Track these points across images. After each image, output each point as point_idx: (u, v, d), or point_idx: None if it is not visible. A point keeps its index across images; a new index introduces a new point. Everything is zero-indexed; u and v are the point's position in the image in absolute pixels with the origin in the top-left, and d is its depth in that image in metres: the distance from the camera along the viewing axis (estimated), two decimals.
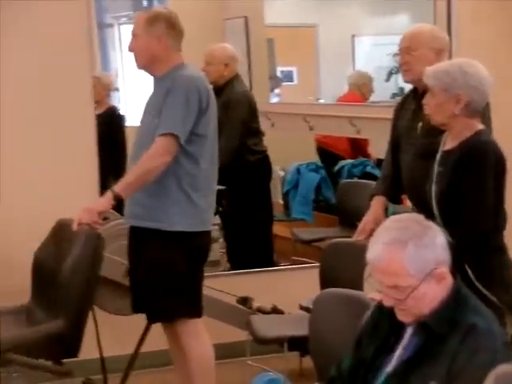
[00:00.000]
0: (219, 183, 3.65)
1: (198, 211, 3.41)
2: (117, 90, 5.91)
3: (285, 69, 7.49)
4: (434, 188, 3.08)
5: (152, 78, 3.51)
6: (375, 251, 2.12)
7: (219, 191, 3.89)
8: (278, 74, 7.43)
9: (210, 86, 3.53)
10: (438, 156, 3.10)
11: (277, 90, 7.33)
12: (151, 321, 3.59)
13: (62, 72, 4.26)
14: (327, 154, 6.36)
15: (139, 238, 3.46)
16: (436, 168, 3.09)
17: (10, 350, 3.11)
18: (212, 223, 3.60)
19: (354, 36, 7.56)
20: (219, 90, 4.78)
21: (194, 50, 4.88)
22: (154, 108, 3.40)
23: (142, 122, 3.52)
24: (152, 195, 3.36)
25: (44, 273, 3.54)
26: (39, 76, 4.24)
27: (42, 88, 4.25)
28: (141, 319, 3.64)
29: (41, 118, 4.27)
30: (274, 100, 7.26)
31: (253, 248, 5.08)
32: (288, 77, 7.48)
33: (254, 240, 5.11)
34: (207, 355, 3.49)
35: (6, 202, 4.00)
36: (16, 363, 3.11)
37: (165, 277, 3.38)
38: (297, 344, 3.81)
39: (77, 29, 4.30)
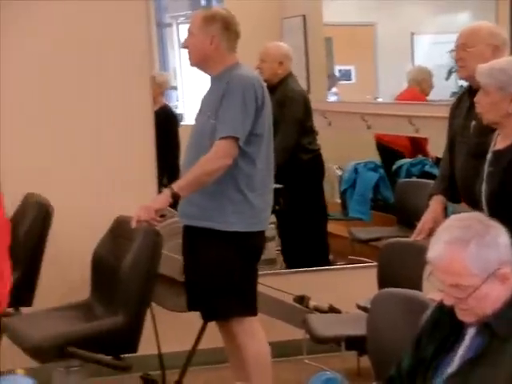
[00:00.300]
0: (276, 182, 3.64)
1: (255, 211, 3.41)
2: (175, 88, 5.96)
3: (343, 67, 7.46)
4: (484, 188, 3.03)
5: (209, 76, 3.53)
6: (436, 250, 2.10)
7: (276, 190, 3.89)
8: (336, 72, 7.40)
9: (265, 84, 3.53)
10: (489, 156, 3.05)
11: (334, 89, 7.30)
12: (206, 319, 3.61)
13: (122, 71, 4.31)
14: (387, 151, 6.30)
15: (194, 237, 3.48)
16: (486, 168, 3.04)
17: (70, 344, 3.15)
18: (268, 224, 3.60)
19: (413, 34, 7.50)
20: (273, 88, 4.79)
21: (251, 50, 4.92)
22: (210, 108, 3.41)
23: (196, 120, 3.54)
24: (208, 196, 3.36)
25: (103, 269, 3.58)
26: (98, 75, 4.29)
27: (101, 87, 4.30)
28: (198, 316, 3.66)
29: (100, 117, 4.32)
30: (332, 99, 7.23)
31: (307, 246, 5.06)
32: (346, 75, 7.44)
33: (309, 238, 5.09)
34: (263, 352, 3.49)
35: (66, 199, 4.06)
36: (77, 357, 3.15)
37: (219, 276, 3.40)
38: (354, 343, 3.78)
39: (136, 28, 4.34)
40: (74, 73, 4.26)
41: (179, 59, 6.21)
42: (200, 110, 3.52)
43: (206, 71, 3.51)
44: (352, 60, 7.44)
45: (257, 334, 3.48)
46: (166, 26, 6.29)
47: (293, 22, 6.45)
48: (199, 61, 3.48)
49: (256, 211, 3.42)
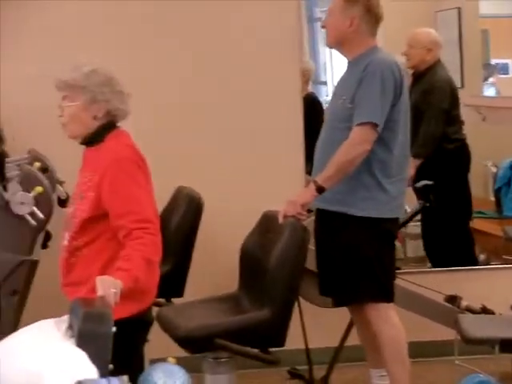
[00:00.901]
0: (425, 177, 3.57)
1: (388, 198, 3.38)
2: (324, 83, 5.93)
3: (500, 61, 7.19)
4: None
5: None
6: None
7: (427, 186, 3.80)
8: None
9: (406, 70, 3.47)
10: None
11: (491, 79, 7.04)
12: (339, 304, 3.59)
13: (272, 65, 4.36)
14: None
15: (327, 221, 3.48)
16: None
17: (218, 336, 3.20)
18: (403, 212, 3.59)
19: None
20: (420, 75, 4.70)
21: (404, 43, 4.85)
22: (346, 92, 3.38)
23: (331, 104, 3.53)
24: (343, 180, 3.34)
25: (251, 263, 3.62)
26: (248, 69, 4.36)
27: (249, 80, 4.36)
28: (346, 312, 3.64)
29: (249, 110, 4.38)
30: (489, 90, 6.98)
31: (452, 244, 4.91)
32: (503, 69, 7.17)
33: (454, 235, 4.93)
34: (399, 338, 3.43)
35: (216, 192, 4.13)
36: (225, 349, 3.20)
37: (353, 260, 3.38)
38: (510, 346, 3.64)
39: (287, 23, 4.38)
40: (224, 64, 4.35)
41: (329, 54, 6.20)
42: (334, 94, 3.51)
43: (342, 53, 3.49)
44: (510, 53, 7.16)
45: (392, 319, 3.44)
46: (317, 21, 6.29)
47: (447, 15, 6.29)
48: (336, 42, 3.47)
49: (389, 197, 3.38)
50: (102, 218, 2.82)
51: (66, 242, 2.91)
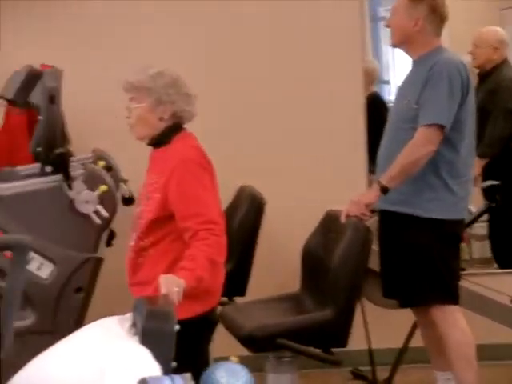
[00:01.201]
0: (491, 177, 3.51)
1: (455, 199, 3.34)
2: (387, 82, 5.87)
3: None
4: None
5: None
6: None
7: (493, 186, 3.74)
8: None
9: (472, 70, 3.42)
10: None
11: None
12: (404, 305, 3.55)
13: (334, 64, 4.34)
14: None
15: (391, 222, 3.45)
16: None
17: (281, 336, 3.20)
18: (467, 213, 3.55)
19: None
20: (486, 74, 4.63)
21: (468, 41, 4.78)
22: (410, 92, 3.35)
23: (395, 104, 3.50)
24: (408, 181, 3.31)
25: (313, 262, 3.60)
26: (310, 67, 4.35)
27: (312, 80, 4.35)
28: (410, 313, 3.59)
29: (311, 110, 4.37)
30: None
31: None
32: None
33: None
34: (467, 342, 3.37)
35: (278, 191, 4.12)
36: (288, 348, 3.19)
37: (418, 262, 3.34)
38: None
39: (350, 22, 4.36)
40: (287, 64, 4.35)
41: (392, 53, 6.15)
42: (399, 94, 3.48)
43: (407, 53, 3.46)
44: None
45: (459, 322, 3.38)
46: (380, 20, 6.25)
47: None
48: (401, 42, 3.45)
49: (456, 199, 3.34)
50: (167, 219, 2.85)
51: (132, 243, 2.95)
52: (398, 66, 6.10)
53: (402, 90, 3.51)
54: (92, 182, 3.37)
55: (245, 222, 3.81)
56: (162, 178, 2.85)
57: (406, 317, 3.67)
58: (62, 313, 3.33)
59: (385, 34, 6.36)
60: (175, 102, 2.90)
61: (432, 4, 3.36)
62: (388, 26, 3.49)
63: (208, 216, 2.77)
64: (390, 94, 6.02)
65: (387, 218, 3.46)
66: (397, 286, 3.45)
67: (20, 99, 3.69)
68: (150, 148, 3.01)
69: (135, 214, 3.00)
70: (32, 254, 3.24)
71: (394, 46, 3.54)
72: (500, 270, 4.74)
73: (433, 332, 3.46)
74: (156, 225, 2.87)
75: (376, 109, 5.04)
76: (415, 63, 3.44)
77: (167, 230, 2.86)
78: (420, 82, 3.30)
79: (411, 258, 3.35)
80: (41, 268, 3.32)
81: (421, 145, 3.25)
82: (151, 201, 2.88)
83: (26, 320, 3.32)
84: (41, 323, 3.32)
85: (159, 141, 2.95)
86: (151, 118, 2.91)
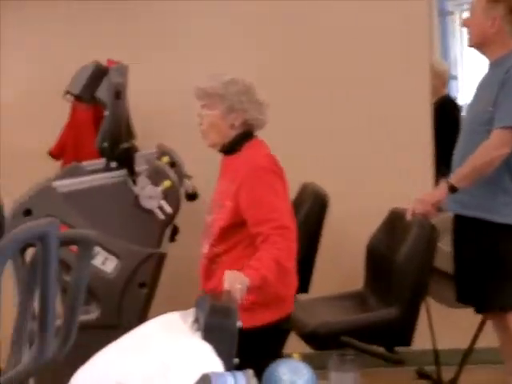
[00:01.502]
0: None
1: None
2: (455, 78, 5.77)
3: None
4: None
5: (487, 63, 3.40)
6: None
7: None
8: None
9: None
10: None
11: None
12: (480, 311, 3.49)
13: (401, 59, 4.29)
14: None
15: (465, 226, 3.39)
16: None
17: (344, 333, 3.17)
18: None
19: None
20: None
21: None
22: (486, 94, 3.29)
23: (471, 106, 3.43)
24: (482, 184, 3.25)
25: (377, 261, 3.57)
26: (377, 63, 4.31)
27: (378, 75, 4.30)
28: (476, 313, 3.53)
29: (377, 108, 4.32)
30: None
31: None
32: None
33: None
34: None
35: (342, 188, 4.09)
36: (351, 346, 3.17)
37: (494, 267, 3.28)
38: None
39: (417, 16, 4.31)
40: (352, 62, 4.31)
41: (460, 48, 6.06)
42: (475, 97, 3.40)
43: (484, 54, 3.39)
44: None
45: None
46: (449, 15, 6.17)
47: None
48: (478, 42, 3.38)
49: None
50: (240, 226, 2.85)
51: (205, 250, 2.95)
52: (466, 61, 6.01)
53: (478, 92, 3.44)
54: (156, 177, 3.39)
55: (308, 218, 3.79)
56: (234, 186, 2.85)
57: (472, 316, 3.60)
58: (125, 307, 3.36)
59: (453, 29, 6.28)
60: (247, 110, 2.90)
61: (510, 4, 3.29)
62: (466, 26, 3.42)
63: (280, 221, 2.77)
64: (457, 91, 5.93)
65: (461, 223, 3.41)
66: (472, 292, 3.40)
67: (86, 95, 3.73)
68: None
69: (207, 222, 3.00)
70: (97, 249, 3.27)
71: (472, 46, 3.46)
72: None
73: (508, 337, 3.39)
74: (228, 232, 2.87)
75: (449, 111, 4.96)
76: (492, 65, 3.37)
77: (240, 237, 2.87)
78: (496, 84, 3.24)
79: (487, 263, 3.30)
80: (105, 263, 3.35)
81: (494, 147, 3.20)
82: (223, 208, 2.89)
83: (91, 314, 3.36)
84: (105, 318, 3.36)
85: (230, 148, 2.94)
86: (223, 125, 2.91)
